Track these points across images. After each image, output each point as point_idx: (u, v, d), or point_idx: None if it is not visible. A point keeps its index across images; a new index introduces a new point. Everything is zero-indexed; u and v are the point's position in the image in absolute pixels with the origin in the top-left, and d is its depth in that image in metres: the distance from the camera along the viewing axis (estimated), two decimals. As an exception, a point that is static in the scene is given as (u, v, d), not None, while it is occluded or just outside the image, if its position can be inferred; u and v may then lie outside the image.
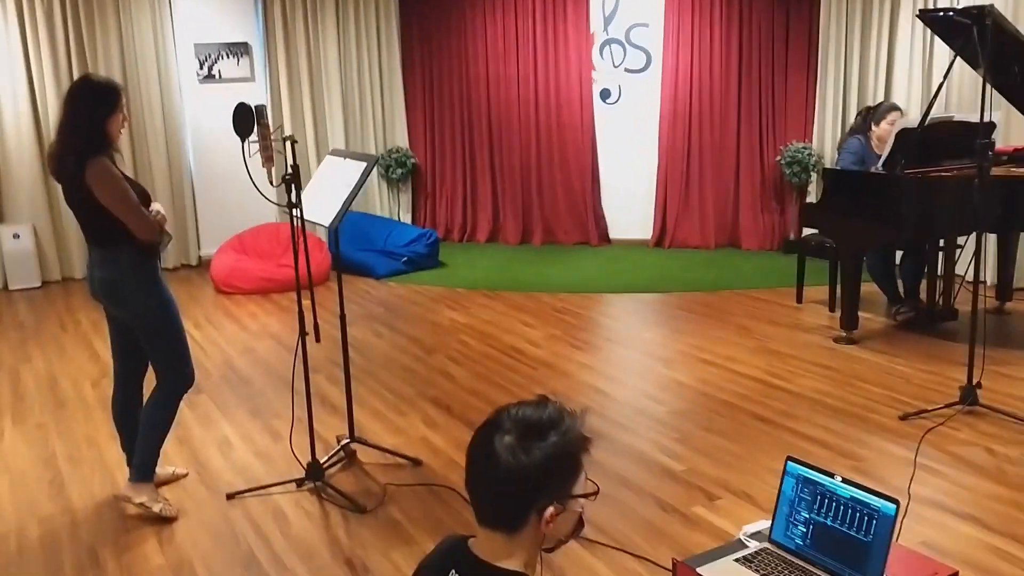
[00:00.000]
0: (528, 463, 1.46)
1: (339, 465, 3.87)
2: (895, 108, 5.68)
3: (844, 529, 1.96)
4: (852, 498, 1.96)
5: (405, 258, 7.63)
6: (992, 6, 4.47)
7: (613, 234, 8.64)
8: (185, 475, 3.81)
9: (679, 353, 5.31)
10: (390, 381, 4.96)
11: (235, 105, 3.39)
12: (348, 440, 3.95)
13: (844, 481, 1.99)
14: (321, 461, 3.72)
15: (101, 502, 3.61)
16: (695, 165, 8.18)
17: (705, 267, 7.51)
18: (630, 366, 5.20)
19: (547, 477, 1.48)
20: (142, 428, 3.50)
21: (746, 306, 6.26)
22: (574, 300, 6.62)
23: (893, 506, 1.89)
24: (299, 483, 3.67)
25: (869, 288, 6.08)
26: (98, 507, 3.56)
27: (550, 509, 1.48)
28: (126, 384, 3.63)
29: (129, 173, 7.59)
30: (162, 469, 3.74)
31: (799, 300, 6.23)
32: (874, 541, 1.91)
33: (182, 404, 3.61)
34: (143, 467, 3.48)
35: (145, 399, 3.61)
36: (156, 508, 3.43)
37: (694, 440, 4.04)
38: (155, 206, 3.42)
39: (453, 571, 1.52)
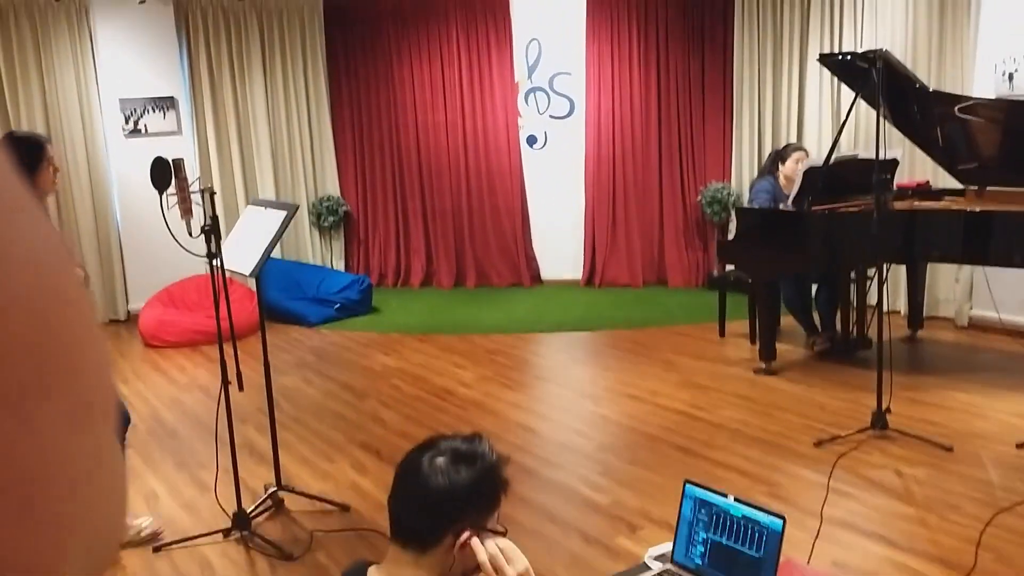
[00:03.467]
0: (455, 483, 1.55)
1: (266, 513, 3.88)
2: (799, 148, 5.98)
3: (738, 547, 2.06)
4: (743, 516, 2.06)
5: (338, 304, 7.66)
6: (884, 50, 4.75)
7: (544, 275, 8.79)
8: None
9: (606, 389, 5.43)
10: (319, 428, 4.97)
11: (152, 159, 3.44)
12: (275, 488, 3.96)
13: (736, 500, 2.10)
14: (248, 510, 3.71)
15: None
16: (621, 206, 8.40)
17: (633, 305, 7.68)
18: (559, 403, 5.30)
19: (469, 501, 1.57)
20: None
21: (672, 341, 6.42)
22: (506, 341, 6.72)
23: (780, 522, 2.00)
24: (226, 533, 3.67)
25: (789, 321, 6.30)
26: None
27: (466, 533, 1.56)
28: None
29: (55, 227, 7.59)
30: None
31: (722, 334, 6.42)
32: (765, 556, 2.01)
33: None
34: None
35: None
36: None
37: (618, 473, 4.14)
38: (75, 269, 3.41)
39: (352, 600, 1.58)
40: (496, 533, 1.64)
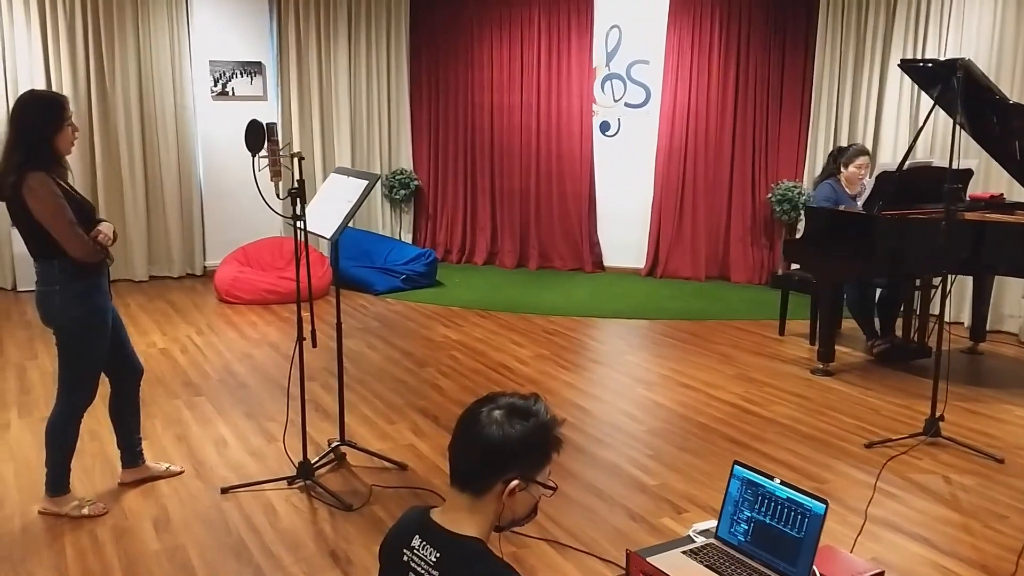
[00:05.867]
0: (508, 435, 1.69)
1: (329, 466, 4.07)
2: (864, 152, 5.95)
3: (780, 526, 2.16)
4: (788, 498, 2.17)
5: (403, 276, 7.86)
6: (967, 59, 4.74)
7: (607, 262, 8.88)
8: (180, 472, 3.99)
9: (661, 376, 5.52)
10: (381, 391, 5.16)
11: (248, 121, 3.63)
12: (338, 443, 4.16)
13: (782, 483, 2.20)
14: (312, 461, 3.92)
15: (102, 491, 3.81)
16: (689, 198, 8.44)
17: (694, 297, 7.73)
18: (612, 386, 5.41)
19: (520, 454, 1.70)
20: (46, 445, 3.57)
21: (730, 336, 6.48)
22: (564, 323, 6.84)
23: (823, 505, 2.10)
24: (290, 481, 3.87)
25: (850, 324, 6.31)
26: (99, 495, 3.75)
27: (515, 482, 1.69)
28: (119, 386, 3.82)
29: (140, 184, 7.93)
30: (155, 464, 3.95)
31: (781, 332, 6.45)
32: (805, 537, 2.11)
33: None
34: (55, 482, 3.58)
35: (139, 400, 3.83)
36: (85, 511, 3.56)
37: (667, 457, 4.25)
38: (103, 226, 3.46)
39: (417, 536, 1.73)
40: (546, 487, 1.77)
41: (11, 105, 3.40)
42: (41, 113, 3.34)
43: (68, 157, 3.48)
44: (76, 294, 3.42)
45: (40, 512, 3.60)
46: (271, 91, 8.48)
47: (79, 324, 3.45)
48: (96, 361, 3.56)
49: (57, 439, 3.57)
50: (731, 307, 7.37)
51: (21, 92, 3.56)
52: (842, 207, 5.71)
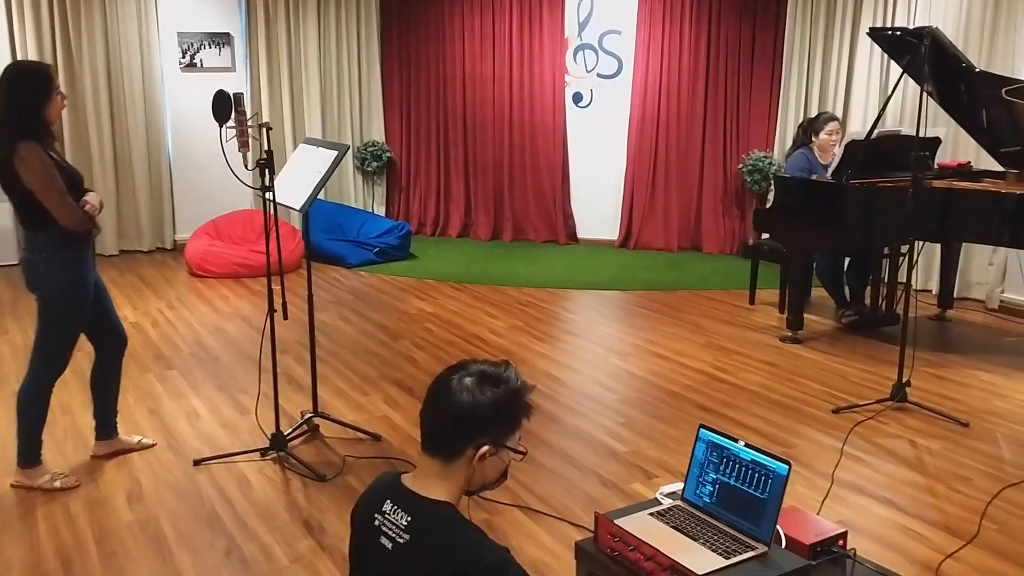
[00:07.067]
0: (479, 401, 1.70)
1: (302, 438, 4.08)
2: (833, 118, 6.01)
3: (744, 488, 2.20)
4: (752, 460, 2.20)
5: (377, 249, 7.84)
6: (934, 27, 4.77)
7: (581, 234, 8.89)
8: (153, 445, 3.99)
9: (633, 347, 5.57)
10: (355, 363, 5.17)
11: (215, 92, 3.59)
12: (311, 415, 4.17)
13: (747, 446, 2.24)
14: (285, 433, 3.92)
15: (75, 464, 3.80)
16: (661, 170, 8.45)
17: (666, 268, 7.77)
18: (585, 356, 5.45)
19: (490, 420, 1.72)
20: (18, 416, 3.57)
21: (701, 306, 6.53)
22: (539, 295, 6.86)
23: (786, 467, 2.13)
24: (263, 452, 3.88)
25: (820, 293, 6.39)
26: (72, 468, 3.74)
27: (485, 448, 1.71)
28: (103, 354, 3.81)
29: (108, 158, 7.83)
30: (128, 437, 3.95)
31: (752, 302, 6.51)
32: (769, 498, 2.15)
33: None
34: (27, 453, 3.58)
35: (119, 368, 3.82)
36: (57, 484, 3.56)
37: (638, 425, 4.29)
38: (90, 196, 3.49)
39: (388, 501, 1.74)
40: (516, 452, 1.79)
41: None
42: (29, 83, 3.35)
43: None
44: (62, 263, 3.44)
45: (12, 485, 3.59)
46: (240, 62, 8.38)
47: (61, 294, 3.47)
48: (72, 333, 3.57)
49: (28, 409, 3.56)
50: (703, 278, 7.43)
51: (7, 65, 3.55)
52: (815, 176, 5.76)
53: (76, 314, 3.53)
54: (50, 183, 3.32)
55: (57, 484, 3.56)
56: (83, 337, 3.67)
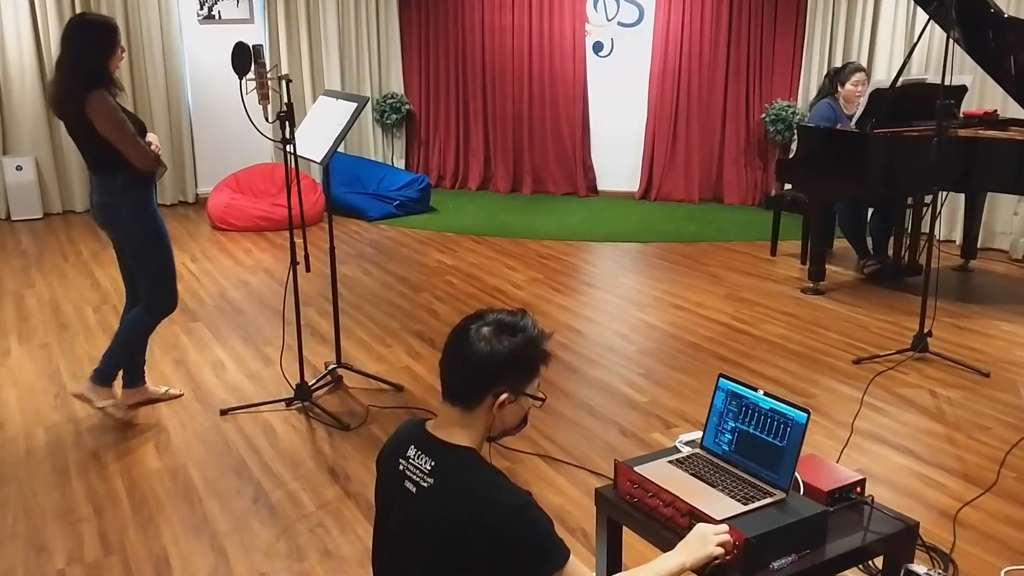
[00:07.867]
0: (496, 350, 1.72)
1: (326, 388, 4.14)
2: (860, 69, 5.92)
3: (763, 436, 2.22)
4: (771, 408, 2.22)
5: (397, 202, 7.85)
6: (962, -28, 4.67)
7: (601, 186, 8.85)
8: (180, 395, 4.06)
9: (653, 298, 5.57)
10: (377, 315, 5.21)
11: (234, 44, 3.59)
12: (335, 365, 4.22)
13: (766, 395, 2.25)
14: (309, 384, 3.98)
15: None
16: (682, 120, 8.38)
17: (687, 220, 7.74)
18: (605, 308, 5.46)
19: (508, 367, 1.74)
20: (116, 337, 3.79)
21: (722, 258, 6.51)
22: (558, 247, 6.86)
23: (805, 415, 2.15)
24: (288, 402, 3.94)
25: (842, 244, 6.35)
26: (100, 418, 3.82)
27: (504, 395, 1.74)
28: (135, 302, 3.87)
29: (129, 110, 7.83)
30: (156, 387, 4.02)
31: (773, 253, 6.49)
32: (787, 446, 2.17)
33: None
34: (106, 373, 3.75)
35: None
36: (119, 415, 3.76)
37: (658, 375, 4.32)
38: (151, 137, 3.64)
39: (412, 446, 1.78)
40: (535, 399, 1.81)
41: (63, 29, 3.55)
42: (96, 37, 3.48)
43: None
44: (137, 201, 3.62)
45: (74, 395, 3.78)
46: (258, 13, 8.34)
47: (147, 227, 3.66)
48: (170, 258, 3.77)
49: (130, 338, 3.77)
50: (724, 229, 7.39)
51: (71, 17, 3.71)
52: (839, 126, 5.69)
53: (166, 242, 3.74)
54: (123, 127, 3.47)
55: (113, 411, 3.74)
56: (119, 287, 3.75)
